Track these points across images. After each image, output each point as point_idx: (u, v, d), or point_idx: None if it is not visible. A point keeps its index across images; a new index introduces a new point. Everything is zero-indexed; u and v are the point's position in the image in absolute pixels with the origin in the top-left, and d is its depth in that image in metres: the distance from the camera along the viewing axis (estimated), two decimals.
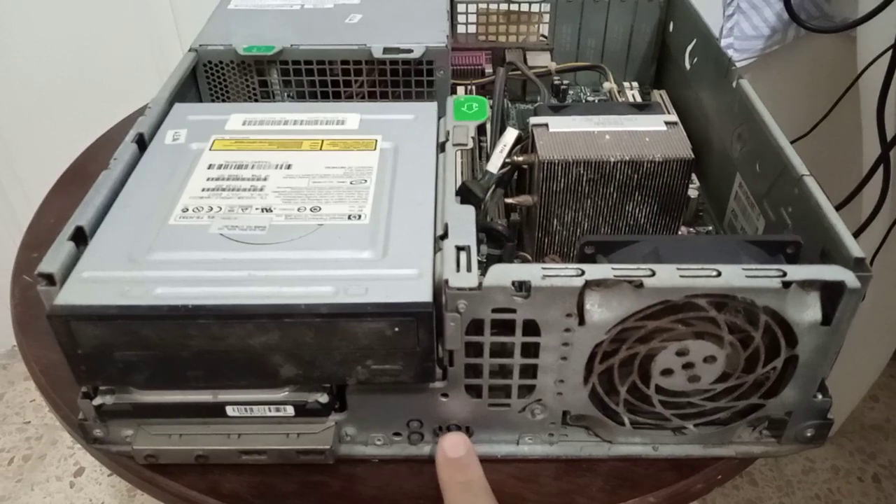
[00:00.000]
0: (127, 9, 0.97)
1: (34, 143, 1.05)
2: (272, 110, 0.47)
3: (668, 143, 0.43)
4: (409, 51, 0.52)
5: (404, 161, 0.42)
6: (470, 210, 0.37)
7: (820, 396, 0.37)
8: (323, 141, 0.44)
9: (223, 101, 0.55)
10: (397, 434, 0.39)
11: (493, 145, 0.47)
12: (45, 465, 1.12)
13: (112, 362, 0.34)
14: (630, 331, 0.34)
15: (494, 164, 0.45)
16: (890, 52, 0.72)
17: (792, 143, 0.42)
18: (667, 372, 0.35)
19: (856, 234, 0.80)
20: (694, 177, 0.54)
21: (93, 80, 1.01)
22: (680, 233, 0.48)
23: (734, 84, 0.48)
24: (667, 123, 0.44)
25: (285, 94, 0.55)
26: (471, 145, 0.43)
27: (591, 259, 0.36)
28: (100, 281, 0.34)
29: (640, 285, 0.32)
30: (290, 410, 0.37)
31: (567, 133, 0.44)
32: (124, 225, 0.38)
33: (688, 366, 0.35)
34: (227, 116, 0.46)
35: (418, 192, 0.40)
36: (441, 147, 0.44)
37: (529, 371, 0.36)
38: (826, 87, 0.91)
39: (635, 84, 0.65)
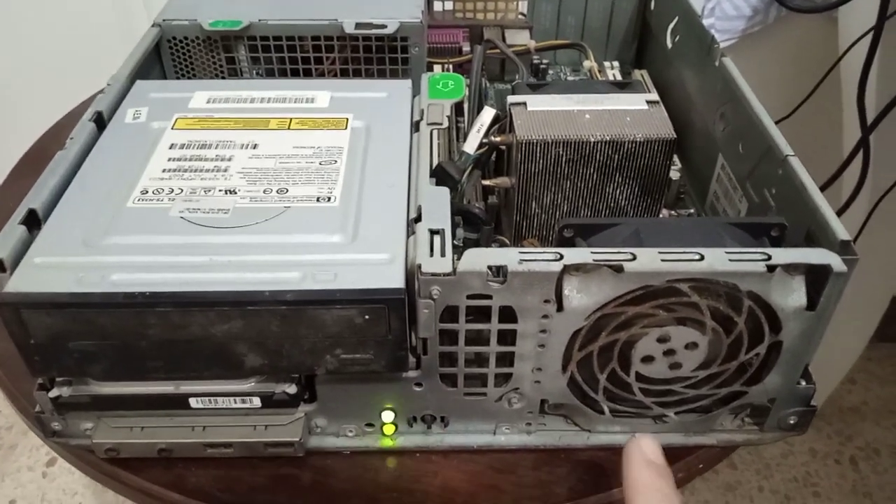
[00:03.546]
0: None
1: None
2: (238, 88, 0.45)
3: (649, 122, 0.41)
4: (383, 26, 0.50)
5: (376, 141, 0.41)
6: (444, 192, 0.36)
7: (804, 383, 0.36)
8: (291, 119, 0.42)
9: (188, 78, 0.52)
10: (370, 425, 0.38)
11: (471, 125, 0.45)
12: (16, 455, 1.09)
13: (67, 352, 0.32)
14: (610, 317, 0.33)
15: (471, 145, 0.44)
16: (871, 34, 0.71)
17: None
18: (647, 359, 0.34)
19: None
20: (676, 158, 0.53)
21: (58, 56, 0.98)
22: (661, 215, 0.47)
23: (717, 62, 0.47)
24: (648, 102, 0.43)
25: (254, 71, 0.53)
26: (446, 124, 0.41)
27: (569, 243, 0.34)
28: (53, 267, 0.32)
29: (620, 270, 0.31)
30: (256, 402, 0.35)
31: (546, 112, 0.42)
32: (80, 208, 0.36)
33: (669, 353, 0.34)
34: (191, 94, 0.44)
35: (391, 173, 0.38)
36: (415, 126, 0.42)
37: (506, 359, 0.35)
38: (808, 69, 0.90)
39: (616, 63, 0.63)
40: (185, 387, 0.35)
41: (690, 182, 0.53)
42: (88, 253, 0.33)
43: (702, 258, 0.31)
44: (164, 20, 0.51)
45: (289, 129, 0.41)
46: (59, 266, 0.32)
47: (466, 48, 0.63)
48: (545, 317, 0.33)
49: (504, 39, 0.63)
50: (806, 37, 0.87)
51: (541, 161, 0.41)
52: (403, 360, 0.33)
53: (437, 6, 0.65)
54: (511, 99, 0.44)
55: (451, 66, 0.60)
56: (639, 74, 0.60)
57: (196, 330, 0.32)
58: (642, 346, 0.34)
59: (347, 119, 0.42)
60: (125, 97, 0.44)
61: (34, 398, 0.36)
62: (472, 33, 0.64)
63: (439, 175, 0.39)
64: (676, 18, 0.55)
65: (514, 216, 0.44)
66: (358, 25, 0.50)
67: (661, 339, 0.33)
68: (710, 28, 0.91)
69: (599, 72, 0.59)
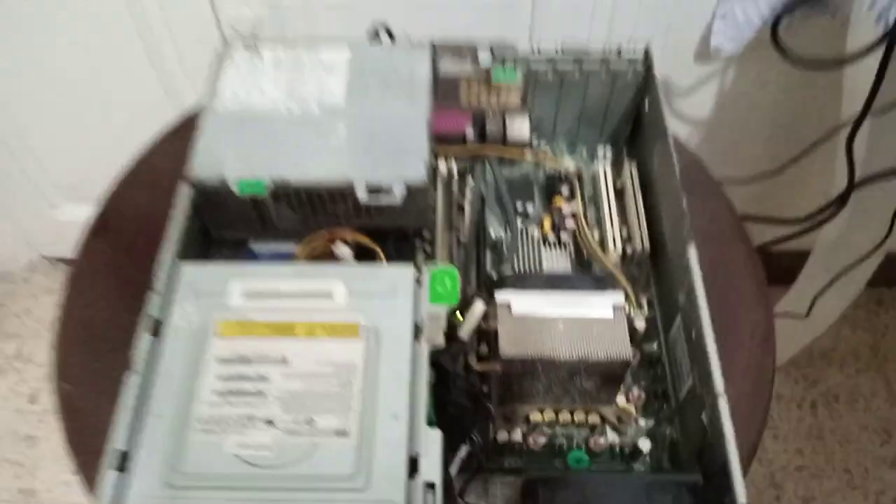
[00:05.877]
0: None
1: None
2: (266, 276, 0.51)
3: (611, 337, 0.50)
4: (390, 191, 0.56)
5: (384, 352, 0.48)
6: (437, 437, 0.45)
7: None
8: (314, 326, 0.50)
9: (226, 229, 0.60)
10: None
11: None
12: None
13: None
14: None
15: (465, 332, 0.52)
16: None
17: None
18: None
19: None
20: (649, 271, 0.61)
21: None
22: None
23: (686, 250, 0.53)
24: (615, 308, 0.51)
25: (282, 214, 0.59)
26: (442, 343, 0.49)
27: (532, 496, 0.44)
28: None
29: None
30: None
31: (527, 320, 0.50)
32: (156, 441, 0.45)
33: None
34: (226, 285, 0.51)
35: (395, 398, 0.46)
36: (416, 331, 0.49)
37: None
38: (811, 81, 0.92)
39: (608, 152, 0.68)
40: None
41: (659, 294, 0.61)
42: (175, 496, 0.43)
43: None
44: (196, 180, 0.56)
45: (313, 336, 0.49)
46: None
47: (470, 134, 0.68)
48: None
49: (505, 126, 0.68)
50: (811, 44, 0.88)
51: (519, 365, 0.50)
52: None
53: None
54: (499, 298, 0.51)
55: (455, 162, 0.66)
56: (629, 170, 0.66)
57: None
58: None
59: (359, 325, 0.49)
60: (174, 288, 0.51)
61: None
62: (475, 118, 0.69)
63: (437, 367, 0.48)
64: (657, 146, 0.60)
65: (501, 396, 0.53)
66: (369, 190, 0.55)
67: None
68: (718, 32, 0.92)
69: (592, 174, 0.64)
